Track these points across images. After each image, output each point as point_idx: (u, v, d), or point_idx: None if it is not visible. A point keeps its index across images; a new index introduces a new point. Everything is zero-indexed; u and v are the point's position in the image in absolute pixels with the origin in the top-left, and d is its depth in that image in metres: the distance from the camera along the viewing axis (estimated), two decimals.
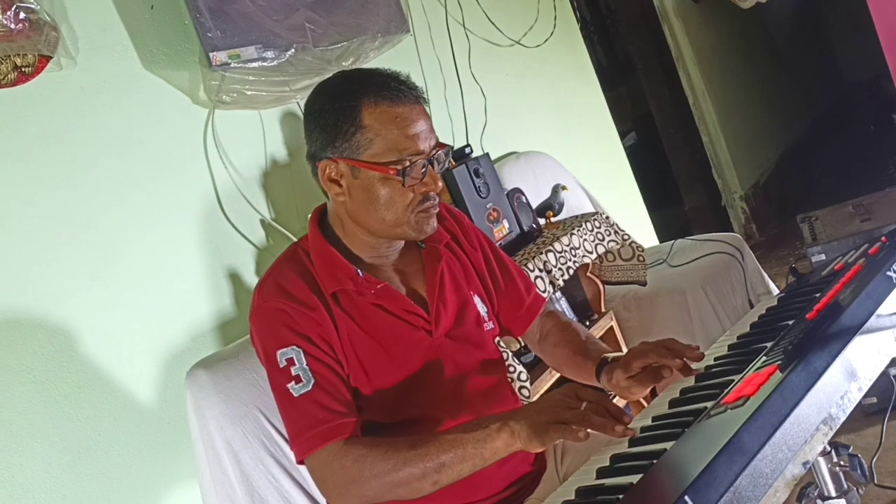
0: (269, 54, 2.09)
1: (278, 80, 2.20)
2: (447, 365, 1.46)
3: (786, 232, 4.61)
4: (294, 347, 1.33)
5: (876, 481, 2.22)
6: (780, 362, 1.09)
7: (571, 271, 2.33)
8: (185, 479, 1.85)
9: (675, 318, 2.63)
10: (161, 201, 2.01)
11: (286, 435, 1.41)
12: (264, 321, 1.37)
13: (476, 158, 2.39)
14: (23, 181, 1.75)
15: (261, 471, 1.59)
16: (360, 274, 1.42)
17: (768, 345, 1.25)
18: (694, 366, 1.30)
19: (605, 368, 1.42)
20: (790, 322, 1.31)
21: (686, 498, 0.87)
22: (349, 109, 1.34)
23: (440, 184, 1.39)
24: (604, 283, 2.61)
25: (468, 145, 2.46)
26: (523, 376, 1.94)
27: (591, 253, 2.44)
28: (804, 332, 1.15)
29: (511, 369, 1.98)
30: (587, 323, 2.54)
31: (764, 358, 1.16)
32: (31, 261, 1.73)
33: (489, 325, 1.56)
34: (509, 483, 1.47)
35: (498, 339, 1.80)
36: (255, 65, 2.06)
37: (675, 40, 4.75)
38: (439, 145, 1.39)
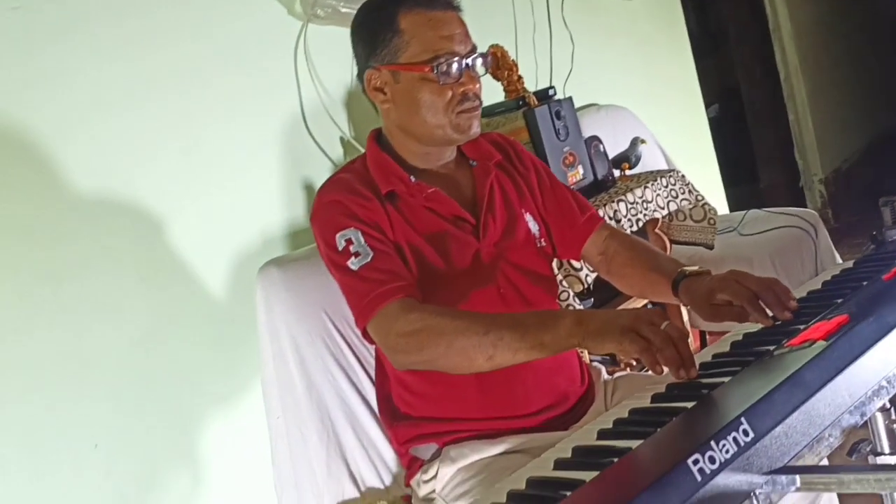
0: None
1: None
2: (495, 274, 1.49)
3: (863, 220, 4.48)
4: (352, 229, 1.39)
5: None
6: (851, 312, 1.08)
7: (640, 223, 2.32)
8: (245, 377, 1.92)
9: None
10: (249, 108, 2.05)
11: (351, 321, 1.45)
12: (323, 214, 1.45)
13: (559, 101, 2.37)
14: (120, 75, 1.80)
15: (320, 367, 1.65)
16: (413, 179, 1.48)
17: (839, 301, 1.24)
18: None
19: (682, 282, 1.40)
20: (864, 283, 1.29)
21: (742, 419, 0.88)
22: (387, 17, 1.42)
23: (478, 86, 1.44)
24: (671, 241, 2.59)
25: (552, 87, 2.44)
26: None
27: (663, 209, 2.42)
28: (879, 290, 1.14)
29: (570, 306, 1.99)
30: None
31: (835, 309, 1.15)
32: (122, 149, 1.79)
33: (541, 243, 1.58)
34: (552, 402, 1.49)
35: (560, 278, 1.82)
36: None
37: (775, 11, 4.60)
38: (476, 51, 1.44)
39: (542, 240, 1.59)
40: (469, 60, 1.43)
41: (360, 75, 1.51)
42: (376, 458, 1.67)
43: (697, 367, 1.16)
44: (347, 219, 1.41)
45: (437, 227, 1.47)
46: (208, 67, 1.98)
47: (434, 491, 1.47)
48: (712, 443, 0.85)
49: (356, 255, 1.37)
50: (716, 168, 3.94)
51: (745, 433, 0.87)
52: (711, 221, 2.54)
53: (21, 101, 1.64)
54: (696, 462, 0.83)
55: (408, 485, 1.58)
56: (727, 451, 0.85)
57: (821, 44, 4.99)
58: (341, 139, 2.27)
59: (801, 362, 0.98)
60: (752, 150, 5.22)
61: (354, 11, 2.22)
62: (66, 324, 1.67)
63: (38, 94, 1.67)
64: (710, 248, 2.56)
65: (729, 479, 0.86)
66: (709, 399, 1.00)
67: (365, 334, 1.40)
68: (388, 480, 1.68)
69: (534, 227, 1.59)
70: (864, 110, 5.56)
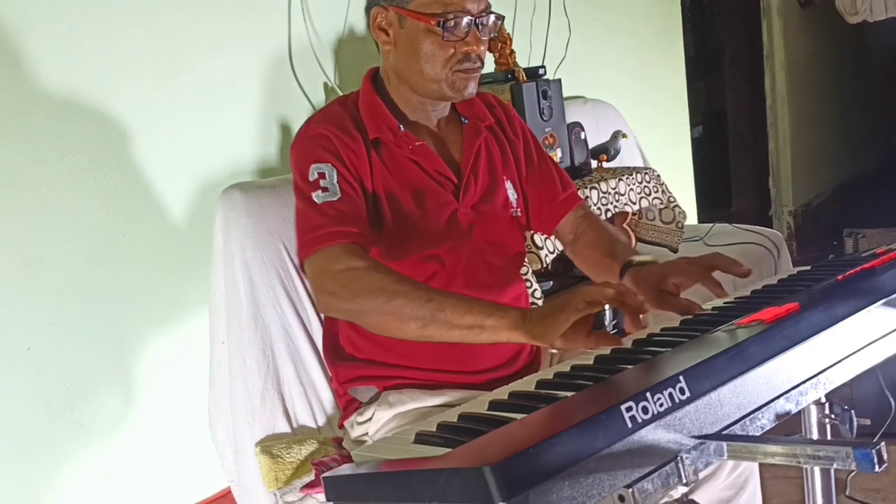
0: None
1: None
2: (469, 235, 1.48)
3: (824, 256, 4.55)
4: (329, 164, 1.37)
5: (848, 493, 2.24)
6: (802, 302, 1.09)
7: (609, 214, 2.33)
8: (194, 302, 1.90)
9: (692, 293, 2.61)
10: (236, 36, 2.02)
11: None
12: (306, 142, 1.42)
13: (547, 81, 2.37)
14: None
15: (270, 298, 1.63)
16: (402, 129, 1.46)
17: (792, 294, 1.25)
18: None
19: (629, 271, 1.40)
20: (820, 282, 1.30)
21: (681, 377, 0.88)
22: None
23: (483, 47, 1.42)
24: (637, 238, 2.60)
25: (543, 66, 2.44)
26: (538, 294, 1.95)
27: (634, 204, 2.43)
28: (833, 286, 1.15)
29: (527, 284, 1.99)
30: None
31: (787, 299, 1.16)
32: (101, 51, 1.76)
33: (517, 212, 1.57)
34: (499, 364, 1.50)
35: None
36: None
37: (771, 39, 4.65)
38: (489, 11, 1.42)
39: (518, 209, 1.59)
40: (480, 21, 1.40)
41: (367, 9, 1.47)
42: (313, 398, 1.66)
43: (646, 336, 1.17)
44: (328, 153, 1.38)
45: (419, 180, 1.46)
46: None
47: (367, 434, 1.46)
48: (648, 394, 0.85)
49: (324, 189, 1.35)
50: (692, 188, 3.98)
51: (682, 391, 0.88)
52: (679, 225, 2.56)
53: None
54: (629, 409, 0.83)
55: (341, 426, 1.57)
56: (661, 405, 0.85)
57: (810, 77, 5.05)
58: (325, 84, 2.24)
59: (746, 336, 0.98)
60: (729, 174, 5.28)
61: None
62: (15, 222, 1.63)
63: None
64: (675, 251, 2.58)
65: (658, 435, 0.86)
66: (651, 361, 1.00)
67: (303, 268, 1.38)
68: (321, 421, 1.67)
69: (512, 194, 1.58)
70: (842, 149, 5.64)
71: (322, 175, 1.36)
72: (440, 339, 1.22)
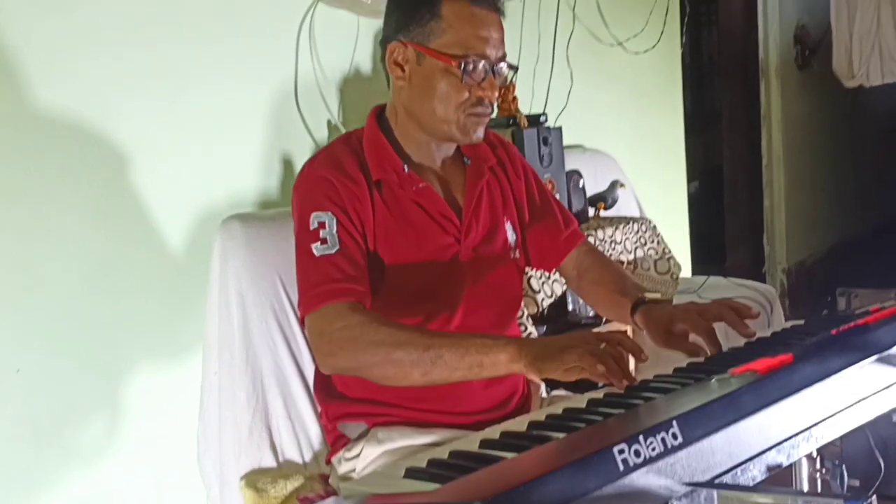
0: None
1: None
2: (468, 279, 1.48)
3: (817, 315, 4.56)
4: (329, 213, 1.37)
5: None
6: (796, 354, 1.10)
7: None
8: (187, 332, 1.88)
9: None
10: (244, 70, 2.05)
11: (296, 299, 1.44)
12: (308, 186, 1.43)
13: (548, 128, 2.40)
14: (121, 11, 1.79)
15: (263, 331, 1.63)
16: (406, 170, 1.47)
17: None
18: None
19: (641, 308, 1.42)
20: (813, 336, 1.31)
21: (674, 422, 0.88)
22: None
23: (496, 94, 1.43)
24: None
25: (544, 114, 2.47)
26: (533, 335, 1.95)
27: (630, 253, 2.45)
28: (827, 340, 1.16)
29: (522, 328, 1.99)
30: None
31: (780, 348, 1.17)
32: (107, 73, 1.77)
33: (515, 254, 1.58)
34: (490, 407, 1.49)
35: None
36: None
37: (769, 99, 4.73)
38: (505, 59, 1.44)
39: (517, 251, 1.60)
40: (497, 68, 1.42)
41: (383, 42, 1.48)
42: (300, 433, 1.65)
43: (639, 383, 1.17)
44: (328, 201, 1.38)
45: (421, 222, 1.46)
46: (212, 21, 1.97)
47: (354, 470, 1.44)
48: (641, 437, 0.85)
49: (323, 241, 1.36)
50: (686, 238, 4.00)
51: (675, 436, 0.88)
52: (674, 276, 2.57)
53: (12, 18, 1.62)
54: (621, 451, 0.82)
55: (328, 462, 1.55)
56: (654, 449, 0.85)
57: (806, 138, 5.12)
58: (328, 122, 2.26)
59: (739, 385, 0.98)
60: (724, 229, 5.32)
61: (368, 0, 2.26)
62: (12, 240, 1.64)
63: (32, 9, 1.65)
64: (669, 302, 2.58)
65: (650, 480, 0.85)
66: (644, 406, 1.00)
67: (302, 324, 1.39)
68: (308, 457, 1.65)
69: (511, 236, 1.59)
70: (836, 210, 5.69)
71: (322, 224, 1.37)
72: (445, 381, 1.27)
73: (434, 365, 1.24)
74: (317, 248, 1.35)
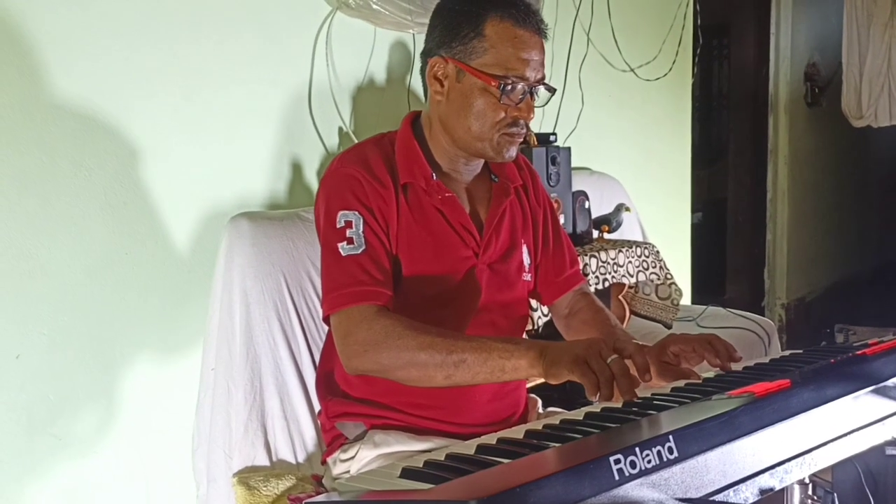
0: None
1: (405, 6, 2.26)
2: (482, 293, 1.49)
3: None
4: (356, 213, 1.39)
5: None
6: (793, 380, 1.10)
7: (606, 284, 2.35)
8: (188, 329, 1.89)
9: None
10: (259, 72, 2.06)
11: (319, 292, 1.45)
12: (336, 183, 1.43)
13: (557, 147, 2.42)
14: (141, 8, 1.81)
15: (264, 329, 1.63)
16: (434, 177, 1.48)
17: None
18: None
19: None
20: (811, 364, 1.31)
21: (671, 437, 0.89)
22: (475, 16, 1.40)
23: (532, 115, 1.44)
24: (632, 311, 2.62)
25: (554, 133, 2.49)
26: None
27: (632, 276, 2.45)
28: (825, 367, 1.16)
29: None
30: None
31: (778, 374, 1.18)
32: (123, 68, 1.79)
33: (527, 276, 1.59)
34: (489, 422, 1.49)
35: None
36: None
37: (777, 134, 4.76)
38: (544, 82, 1.44)
39: (529, 273, 1.61)
40: (535, 89, 1.43)
41: (424, 55, 1.49)
42: (295, 433, 1.65)
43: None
44: (356, 200, 1.40)
45: (442, 231, 1.47)
46: (230, 22, 1.99)
47: (349, 471, 1.45)
48: (637, 449, 0.85)
49: (349, 241, 1.37)
50: (688, 267, 4.01)
51: (670, 450, 0.88)
52: (675, 302, 2.58)
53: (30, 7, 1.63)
54: (617, 461, 0.83)
55: (324, 462, 1.56)
56: (649, 462, 0.86)
57: (812, 175, 5.15)
58: (340, 129, 2.28)
59: (736, 405, 0.99)
60: (725, 261, 5.33)
61: (385, 10, 2.28)
62: (20, 228, 1.65)
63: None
64: (669, 327, 2.60)
65: (644, 492, 0.86)
66: (642, 420, 1.01)
67: (326, 320, 1.40)
68: (301, 457, 1.65)
69: (526, 259, 1.60)
70: (838, 248, 5.71)
71: (349, 224, 1.38)
72: (468, 383, 1.30)
73: (457, 368, 1.27)
74: (343, 248, 1.36)
